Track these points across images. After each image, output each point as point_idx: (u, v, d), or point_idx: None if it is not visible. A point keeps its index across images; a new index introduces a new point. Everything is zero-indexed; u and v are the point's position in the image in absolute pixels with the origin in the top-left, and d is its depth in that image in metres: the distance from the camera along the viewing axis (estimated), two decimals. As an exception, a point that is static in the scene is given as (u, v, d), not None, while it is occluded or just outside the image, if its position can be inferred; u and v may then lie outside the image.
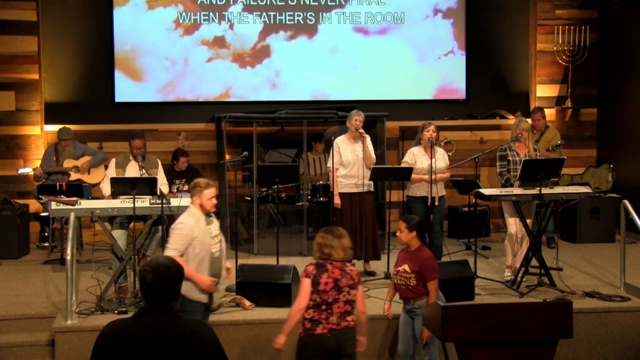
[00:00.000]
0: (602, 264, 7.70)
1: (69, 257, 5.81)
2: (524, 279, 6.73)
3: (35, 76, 9.19)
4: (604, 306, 6.24)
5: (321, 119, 8.92)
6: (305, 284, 4.66)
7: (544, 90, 10.11)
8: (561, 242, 8.83)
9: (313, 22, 9.87)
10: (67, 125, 8.72)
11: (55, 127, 8.92)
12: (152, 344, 3.10)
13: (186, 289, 5.04)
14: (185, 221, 5.13)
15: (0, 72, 9.08)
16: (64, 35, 9.45)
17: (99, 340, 3.18)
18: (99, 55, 9.55)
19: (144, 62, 9.64)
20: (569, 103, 10.00)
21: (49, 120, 9.28)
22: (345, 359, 4.71)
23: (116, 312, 5.91)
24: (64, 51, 9.47)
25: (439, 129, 7.45)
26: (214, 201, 5.24)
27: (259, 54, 9.81)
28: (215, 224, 5.31)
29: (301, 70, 9.91)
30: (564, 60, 9.97)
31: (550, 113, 10.00)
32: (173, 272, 3.21)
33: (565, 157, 7.56)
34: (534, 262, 6.79)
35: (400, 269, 5.33)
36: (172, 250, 5.05)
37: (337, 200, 7.09)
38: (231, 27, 9.73)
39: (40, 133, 9.19)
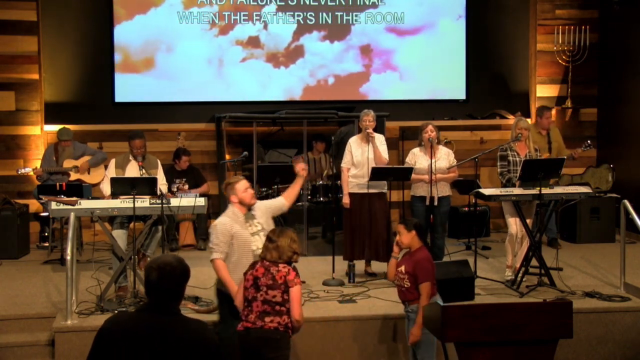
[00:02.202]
0: (602, 264, 7.70)
1: (69, 257, 5.81)
2: (524, 279, 6.73)
3: (35, 76, 9.19)
4: (604, 306, 6.23)
5: (321, 119, 8.92)
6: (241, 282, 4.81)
7: (544, 90, 10.11)
8: (561, 242, 8.82)
9: (346, 22, 9.90)
10: (67, 126, 8.73)
11: (55, 127, 8.91)
12: (154, 340, 3.11)
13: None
14: (221, 220, 5.19)
15: (0, 72, 9.09)
16: (64, 35, 9.45)
17: (101, 332, 3.18)
18: (99, 55, 9.54)
19: (178, 62, 9.67)
20: (569, 103, 10.00)
21: (49, 120, 9.27)
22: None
23: (116, 312, 5.91)
24: (64, 51, 9.47)
25: (439, 129, 7.43)
26: (250, 191, 5.27)
27: (293, 54, 9.84)
28: (258, 220, 5.32)
29: (334, 71, 9.95)
30: (564, 60, 9.96)
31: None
32: (178, 272, 3.21)
33: (565, 157, 7.58)
34: (534, 262, 6.79)
35: (398, 269, 5.25)
36: (215, 253, 5.12)
37: (345, 200, 7.09)
38: (265, 27, 9.76)
39: (40, 133, 9.18)
